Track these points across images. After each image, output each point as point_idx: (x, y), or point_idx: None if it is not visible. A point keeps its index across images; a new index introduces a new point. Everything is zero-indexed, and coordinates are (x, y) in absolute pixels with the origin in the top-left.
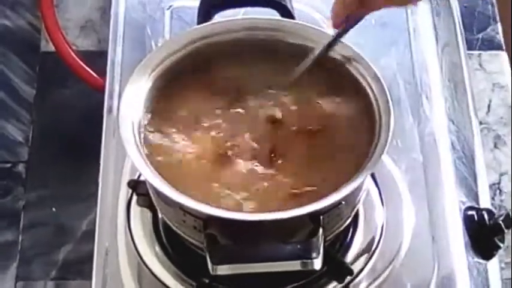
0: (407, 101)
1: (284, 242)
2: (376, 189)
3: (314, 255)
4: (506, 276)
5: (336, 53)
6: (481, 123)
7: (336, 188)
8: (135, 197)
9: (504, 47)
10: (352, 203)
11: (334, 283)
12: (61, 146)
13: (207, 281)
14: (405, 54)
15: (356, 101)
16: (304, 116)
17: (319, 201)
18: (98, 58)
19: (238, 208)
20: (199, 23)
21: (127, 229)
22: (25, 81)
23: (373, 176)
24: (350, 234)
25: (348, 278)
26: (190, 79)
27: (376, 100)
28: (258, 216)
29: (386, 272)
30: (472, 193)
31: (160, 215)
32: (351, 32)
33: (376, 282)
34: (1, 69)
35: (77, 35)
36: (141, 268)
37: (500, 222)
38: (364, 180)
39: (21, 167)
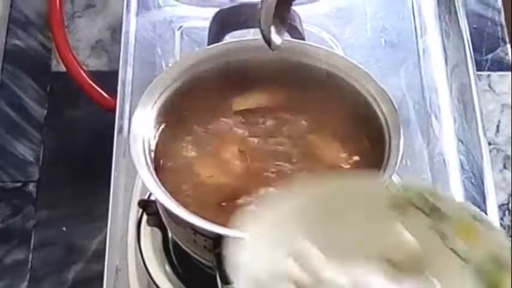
0: (417, 122)
1: None
2: None
3: None
4: None
5: (346, 74)
6: (490, 143)
7: None
8: (145, 217)
9: None
10: None
11: None
12: (72, 166)
13: None
14: (415, 74)
15: (365, 122)
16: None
17: None
18: (108, 78)
19: None
20: (209, 43)
21: (137, 248)
22: (36, 101)
23: None
24: None
25: None
26: (201, 98)
27: (386, 121)
28: None
29: None
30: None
31: (170, 235)
32: (361, 52)
33: None
34: (12, 89)
35: (88, 55)
36: (151, 287)
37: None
38: None
39: (31, 187)
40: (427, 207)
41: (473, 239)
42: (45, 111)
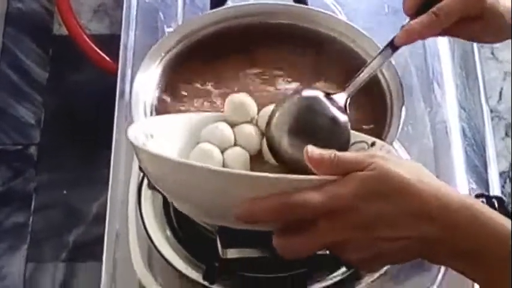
0: (419, 88)
1: None
2: None
3: None
4: None
5: (349, 39)
6: (492, 111)
7: None
8: (146, 181)
9: None
10: None
11: (343, 268)
12: (73, 129)
13: (217, 264)
14: (417, 41)
15: (367, 87)
16: None
17: None
18: (110, 42)
19: None
20: (212, 7)
21: (138, 212)
22: (38, 64)
23: None
24: None
25: None
26: (202, 63)
27: (388, 87)
28: None
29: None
30: (483, 180)
31: None
32: (365, 17)
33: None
34: (14, 52)
35: (90, 18)
36: (151, 251)
37: (510, 209)
38: None
39: (33, 150)
40: None
41: None
42: (47, 74)
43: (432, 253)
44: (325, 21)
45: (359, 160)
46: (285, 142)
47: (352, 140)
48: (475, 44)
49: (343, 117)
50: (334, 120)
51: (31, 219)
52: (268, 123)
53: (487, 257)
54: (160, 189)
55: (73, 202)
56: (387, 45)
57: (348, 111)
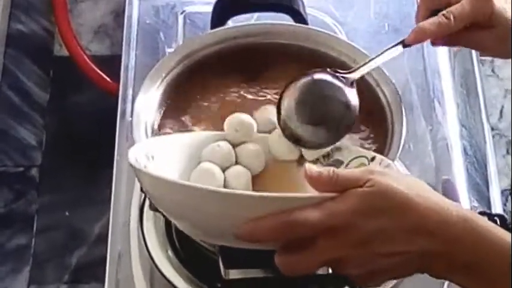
0: (420, 106)
1: None
2: None
3: None
4: None
5: (349, 58)
6: (493, 129)
7: None
8: (148, 201)
9: None
10: None
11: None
12: (74, 150)
13: (219, 285)
14: (418, 59)
15: (368, 106)
16: None
17: None
18: (111, 62)
19: None
20: (212, 28)
21: (140, 233)
22: (39, 85)
23: None
24: None
25: None
26: (203, 83)
27: (389, 105)
28: None
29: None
30: (484, 198)
31: None
32: (365, 37)
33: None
34: (15, 74)
35: (90, 39)
36: (153, 272)
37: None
38: None
39: (34, 171)
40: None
41: None
42: (48, 96)
43: (432, 267)
44: (326, 40)
45: (357, 176)
46: (297, 124)
47: (352, 155)
48: (475, 62)
49: (351, 96)
50: (345, 100)
51: (33, 241)
52: (279, 106)
53: (487, 270)
54: (161, 210)
55: (75, 223)
56: (398, 43)
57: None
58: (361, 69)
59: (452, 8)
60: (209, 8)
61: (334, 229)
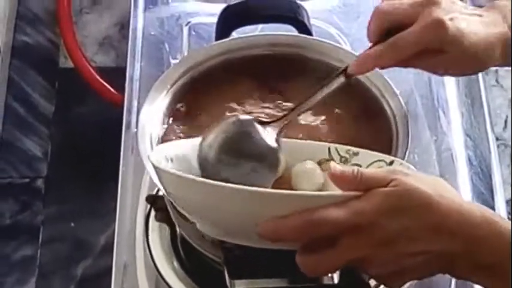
0: (425, 116)
1: None
2: None
3: None
4: None
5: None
6: (497, 139)
7: None
8: (153, 212)
9: None
10: None
11: None
12: (80, 162)
13: None
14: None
15: (373, 117)
16: (320, 135)
17: None
18: (116, 74)
19: None
20: (217, 39)
21: (145, 244)
22: (44, 97)
23: None
24: None
25: None
26: (208, 94)
27: (394, 116)
28: None
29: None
30: (489, 208)
31: (178, 230)
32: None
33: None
34: (20, 85)
35: (95, 51)
36: (159, 282)
37: None
38: None
39: (40, 183)
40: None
41: None
42: (53, 107)
43: (454, 267)
44: (331, 51)
45: (381, 176)
46: (214, 158)
47: (370, 160)
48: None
49: (272, 142)
50: (262, 142)
51: (39, 252)
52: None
53: (509, 270)
54: (181, 210)
55: (81, 234)
56: (339, 73)
57: (280, 141)
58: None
59: (400, 36)
60: (214, 20)
61: (358, 228)
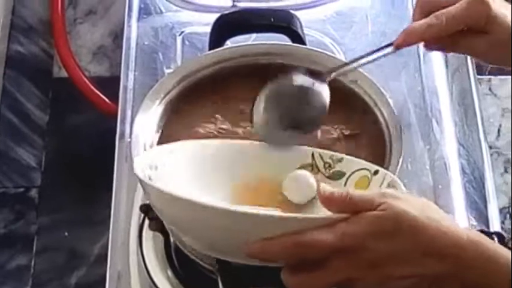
0: (418, 126)
1: None
2: None
3: None
4: None
5: (346, 77)
6: (491, 147)
7: None
8: (147, 222)
9: None
10: None
11: None
12: (74, 171)
13: None
14: (415, 79)
15: (366, 126)
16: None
17: None
18: (109, 84)
19: None
20: (210, 48)
21: (139, 253)
22: (38, 106)
23: None
24: None
25: None
26: (201, 104)
27: (387, 125)
28: None
29: None
30: (483, 217)
31: (172, 239)
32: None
33: None
34: (14, 95)
35: (89, 60)
36: None
37: (511, 245)
38: None
39: (34, 192)
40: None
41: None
42: (47, 117)
43: None
44: (324, 61)
45: (370, 199)
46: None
47: (354, 167)
48: (473, 81)
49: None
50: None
51: (33, 262)
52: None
53: None
54: (166, 224)
55: (75, 244)
56: (388, 45)
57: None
58: (350, 66)
59: (445, 10)
60: (207, 29)
61: (346, 251)
